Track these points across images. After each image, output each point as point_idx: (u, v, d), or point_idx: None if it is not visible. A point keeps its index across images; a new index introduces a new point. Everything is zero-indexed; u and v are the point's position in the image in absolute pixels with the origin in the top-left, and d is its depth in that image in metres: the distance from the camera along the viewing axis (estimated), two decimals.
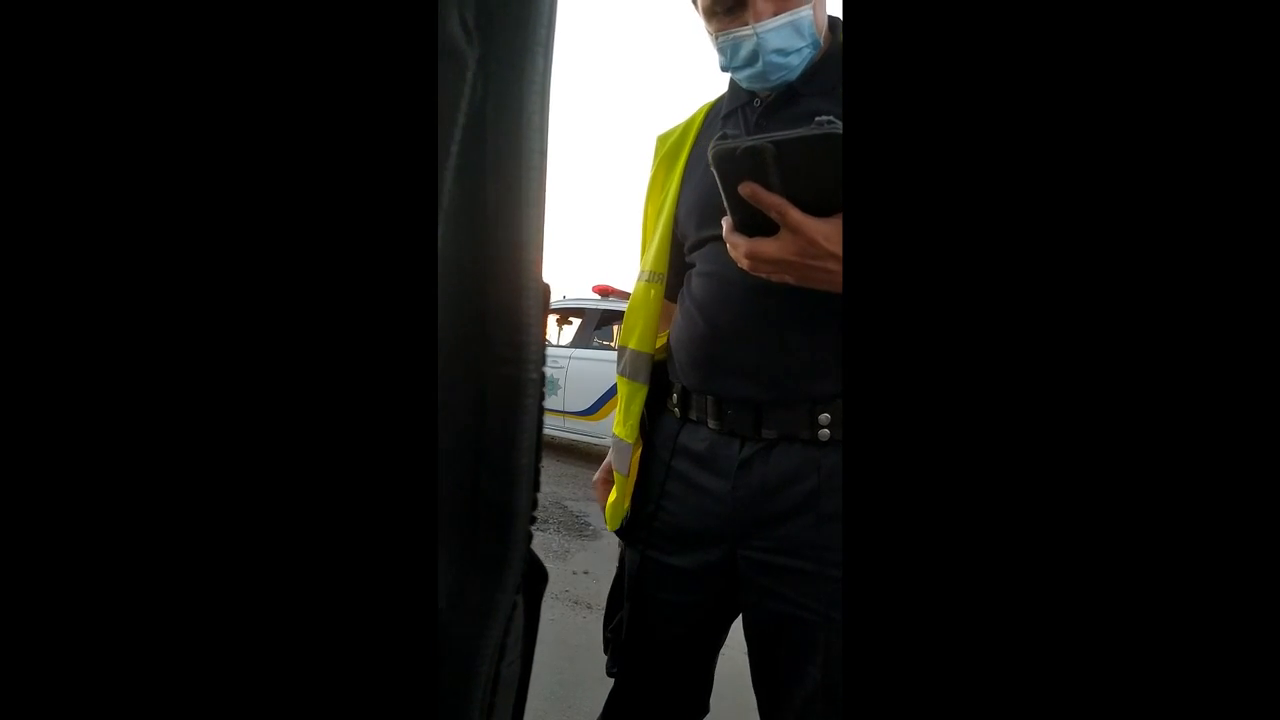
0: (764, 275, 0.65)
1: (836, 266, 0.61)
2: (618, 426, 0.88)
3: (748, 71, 0.75)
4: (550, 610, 2.22)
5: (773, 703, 0.77)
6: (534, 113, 0.33)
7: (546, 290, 0.36)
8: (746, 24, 0.72)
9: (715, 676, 0.88)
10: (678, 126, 0.90)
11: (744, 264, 0.65)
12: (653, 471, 0.84)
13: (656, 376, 0.87)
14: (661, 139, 0.91)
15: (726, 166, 0.60)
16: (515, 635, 0.40)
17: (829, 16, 0.79)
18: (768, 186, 0.60)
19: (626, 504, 0.87)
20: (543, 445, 0.37)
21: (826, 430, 0.71)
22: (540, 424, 0.37)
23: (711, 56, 0.79)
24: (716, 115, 0.85)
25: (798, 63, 0.74)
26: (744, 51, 0.73)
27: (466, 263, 0.34)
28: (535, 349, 0.34)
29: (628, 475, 0.86)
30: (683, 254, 0.85)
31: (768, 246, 0.62)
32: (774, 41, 0.72)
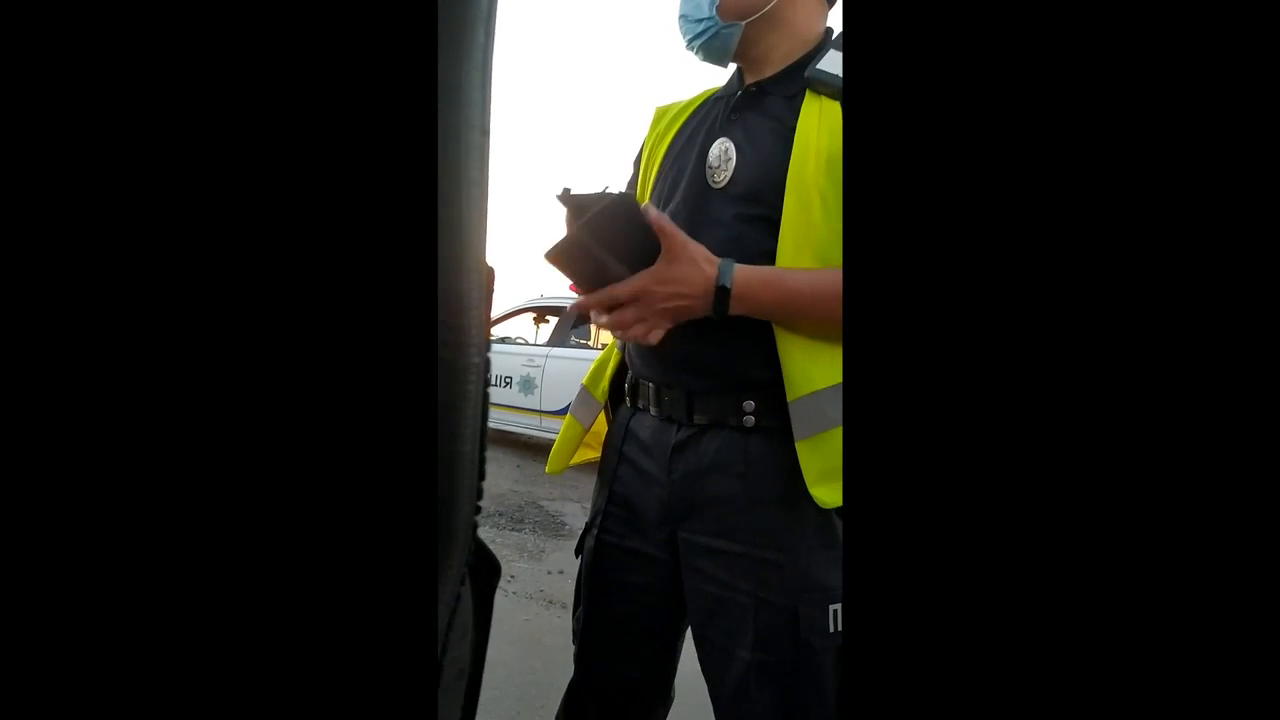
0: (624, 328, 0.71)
1: (681, 300, 0.69)
2: (594, 385, 0.90)
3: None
4: (524, 610, 2.20)
5: (713, 684, 0.79)
6: (474, 88, 0.32)
7: (490, 272, 0.35)
8: None
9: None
10: (676, 105, 0.91)
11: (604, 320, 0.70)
12: (608, 458, 0.87)
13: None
14: (660, 113, 0.92)
15: (568, 261, 0.68)
16: (461, 629, 0.39)
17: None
18: (602, 263, 0.67)
19: (572, 453, 0.90)
20: (487, 432, 0.36)
21: (751, 417, 0.75)
22: (485, 410, 0.36)
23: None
24: (716, 100, 0.88)
25: (701, 30, 0.80)
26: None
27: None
28: (477, 331, 0.33)
29: (587, 430, 0.90)
30: None
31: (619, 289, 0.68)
32: (681, 4, 0.81)
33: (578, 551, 0.90)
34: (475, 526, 0.37)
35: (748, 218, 0.75)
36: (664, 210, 0.81)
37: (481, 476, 0.36)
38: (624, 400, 0.88)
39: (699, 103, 0.89)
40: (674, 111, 0.90)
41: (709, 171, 0.79)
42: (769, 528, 0.74)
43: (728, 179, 0.77)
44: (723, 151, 0.79)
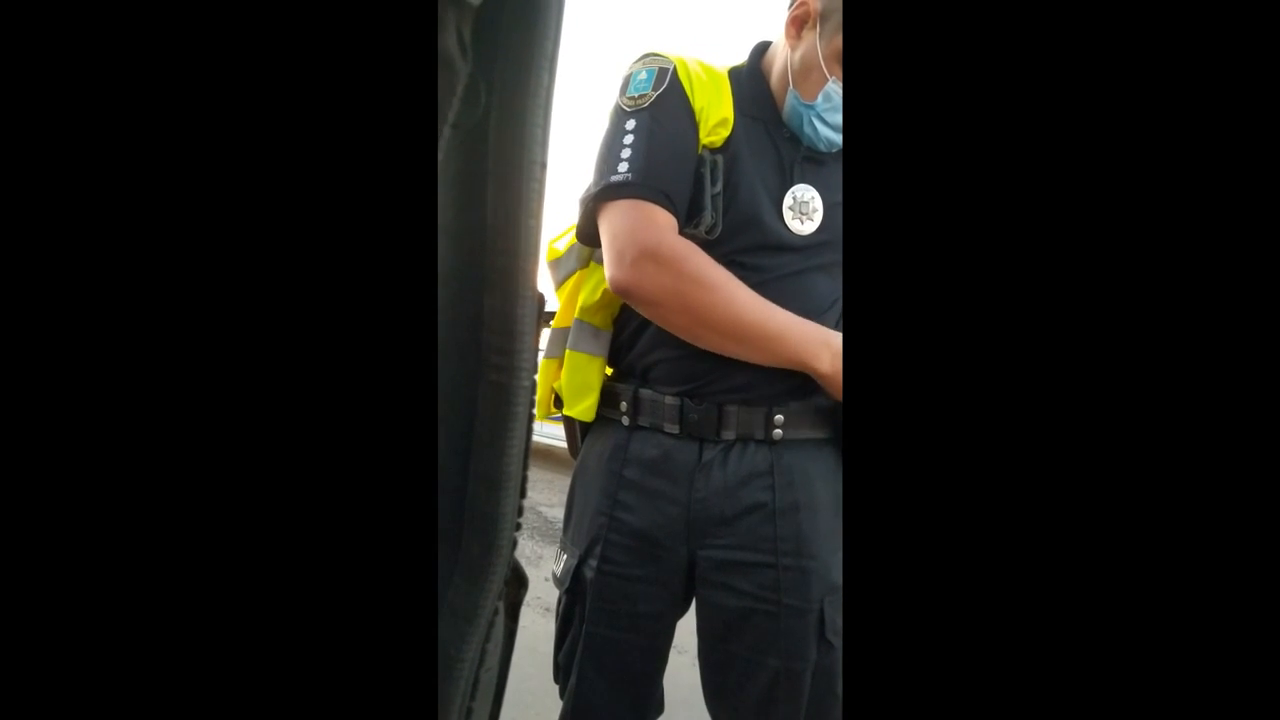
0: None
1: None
2: (575, 408, 0.84)
3: (822, 107, 0.76)
4: (522, 617, 2.20)
5: (732, 697, 0.79)
6: (537, 126, 0.34)
7: (540, 299, 0.36)
8: None
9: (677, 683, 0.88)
10: (704, 81, 0.79)
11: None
12: (601, 484, 0.82)
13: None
14: (697, 81, 0.78)
15: None
16: (495, 641, 0.40)
17: None
18: None
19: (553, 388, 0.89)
20: (530, 453, 0.38)
21: (780, 430, 0.75)
22: (530, 431, 0.37)
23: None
24: (742, 105, 0.79)
25: (840, 143, 0.77)
26: (836, 101, 0.75)
27: (462, 269, 0.34)
28: (528, 357, 0.35)
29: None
30: None
31: None
32: (829, 114, 0.75)
33: (566, 584, 0.84)
34: (515, 544, 0.38)
35: (820, 266, 0.77)
36: (722, 245, 0.76)
37: (523, 495, 0.38)
38: (606, 421, 0.84)
39: (729, 91, 0.79)
40: (707, 90, 0.78)
41: (789, 218, 0.77)
42: (797, 535, 0.75)
43: (814, 227, 0.77)
44: (809, 199, 0.77)
